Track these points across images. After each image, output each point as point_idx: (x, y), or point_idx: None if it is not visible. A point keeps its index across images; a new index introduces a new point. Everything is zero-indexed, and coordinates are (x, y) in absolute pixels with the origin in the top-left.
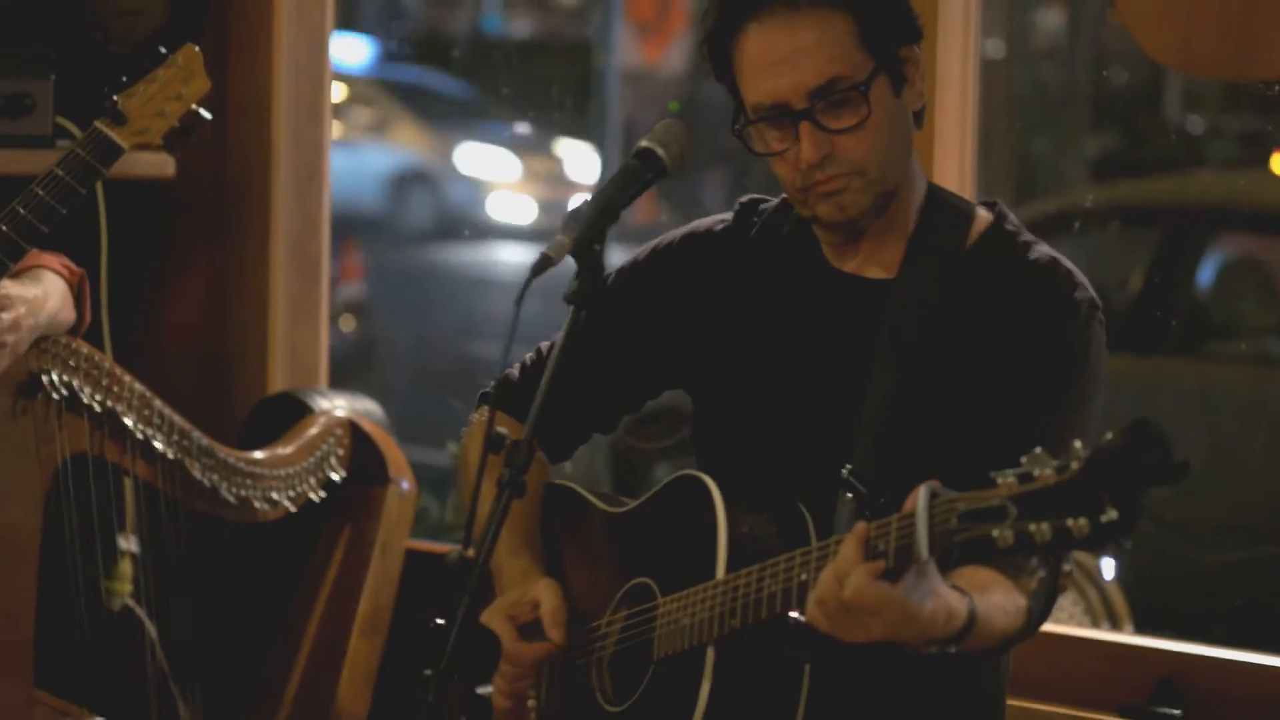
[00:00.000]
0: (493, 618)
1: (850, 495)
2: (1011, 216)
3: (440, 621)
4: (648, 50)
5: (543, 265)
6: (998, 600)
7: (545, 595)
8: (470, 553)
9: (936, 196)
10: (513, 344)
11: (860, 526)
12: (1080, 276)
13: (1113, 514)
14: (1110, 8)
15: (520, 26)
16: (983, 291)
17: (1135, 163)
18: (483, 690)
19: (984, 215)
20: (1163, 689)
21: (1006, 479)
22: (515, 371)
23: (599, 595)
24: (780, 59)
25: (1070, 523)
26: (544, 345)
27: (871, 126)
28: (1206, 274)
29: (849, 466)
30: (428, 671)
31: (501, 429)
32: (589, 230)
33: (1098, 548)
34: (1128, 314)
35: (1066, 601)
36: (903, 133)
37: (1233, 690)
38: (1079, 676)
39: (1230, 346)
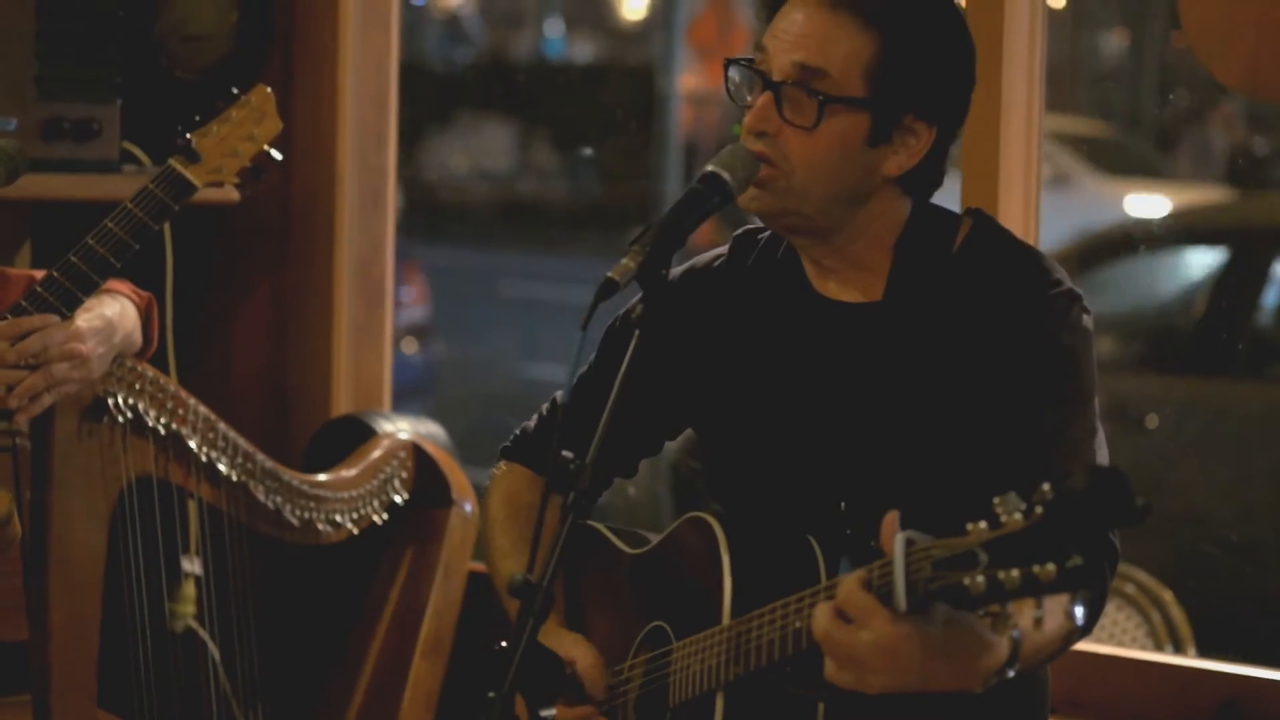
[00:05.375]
0: None
1: (849, 532)
2: (995, 221)
3: (503, 644)
4: (710, 73)
5: (607, 289)
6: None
7: (578, 653)
8: (533, 575)
9: (919, 213)
10: (578, 367)
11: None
12: (1060, 272)
13: (1078, 560)
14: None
15: (582, 50)
16: (967, 293)
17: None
18: (546, 713)
19: (968, 222)
20: (1226, 712)
21: (977, 526)
22: (531, 424)
23: (622, 638)
24: (792, 30)
25: (1037, 569)
26: (558, 395)
27: (821, 143)
28: (1272, 296)
29: (843, 504)
30: (491, 694)
31: (568, 453)
32: (654, 254)
33: (1067, 591)
34: (1193, 336)
35: (1130, 624)
36: (853, 179)
37: None
38: (1142, 699)
39: None
